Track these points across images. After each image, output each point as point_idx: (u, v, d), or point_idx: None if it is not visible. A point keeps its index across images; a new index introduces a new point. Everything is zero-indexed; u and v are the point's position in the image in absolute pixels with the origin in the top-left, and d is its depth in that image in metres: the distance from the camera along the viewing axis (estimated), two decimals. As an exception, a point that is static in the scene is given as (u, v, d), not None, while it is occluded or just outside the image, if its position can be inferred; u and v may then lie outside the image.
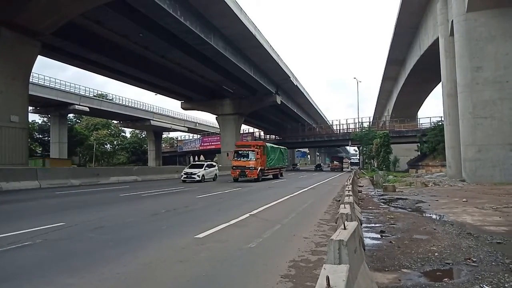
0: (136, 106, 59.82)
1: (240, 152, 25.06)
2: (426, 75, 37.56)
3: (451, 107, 22.78)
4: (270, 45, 35.06)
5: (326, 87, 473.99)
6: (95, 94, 56.58)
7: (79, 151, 63.72)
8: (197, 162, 27.95)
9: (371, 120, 63.41)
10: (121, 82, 43.17)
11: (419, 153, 48.32)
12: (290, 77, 44.25)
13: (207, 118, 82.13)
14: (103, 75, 39.56)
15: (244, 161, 24.19)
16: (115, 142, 76.28)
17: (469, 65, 19.64)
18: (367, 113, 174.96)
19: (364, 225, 7.67)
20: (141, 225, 7.62)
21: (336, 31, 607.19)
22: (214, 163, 26.69)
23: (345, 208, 4.66)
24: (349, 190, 8.22)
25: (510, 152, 18.61)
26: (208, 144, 69.43)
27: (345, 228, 3.02)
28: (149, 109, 62.90)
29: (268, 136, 71.89)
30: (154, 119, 62.74)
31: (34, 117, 55.45)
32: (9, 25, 18.69)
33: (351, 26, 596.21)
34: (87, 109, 48.53)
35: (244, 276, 4.35)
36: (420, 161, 43.20)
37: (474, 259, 4.93)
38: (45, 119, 57.64)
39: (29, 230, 6.62)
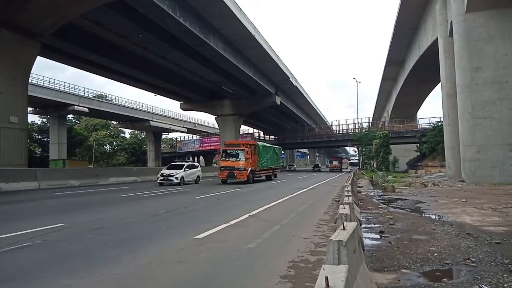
0: (135, 107, 59.78)
1: (228, 151, 23.33)
2: (426, 75, 37.59)
3: (451, 108, 22.79)
4: (270, 46, 35.05)
5: (325, 88, 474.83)
6: (94, 95, 56.50)
7: (79, 151, 63.68)
8: (176, 163, 24.96)
9: (370, 121, 63.50)
10: (121, 83, 43.17)
11: (418, 153, 48.37)
12: (289, 78, 44.25)
13: (207, 119, 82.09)
14: (103, 76, 39.56)
15: (233, 161, 22.44)
16: (114, 143, 76.22)
17: (468, 65, 19.66)
18: (367, 113, 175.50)
19: (363, 225, 7.69)
20: (140, 226, 7.62)
21: (336, 32, 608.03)
22: (196, 164, 24.57)
23: (344, 208, 4.66)
24: (349, 191, 8.23)
25: (509, 153, 18.63)
26: (207, 144, 69.38)
27: (344, 229, 3.02)
28: (148, 110, 62.87)
29: (267, 136, 71.90)
30: (153, 119, 62.70)
31: (34, 118, 55.34)
32: (8, 26, 18.68)
33: (350, 27, 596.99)
34: (87, 109, 48.48)
35: (244, 276, 4.35)
36: (419, 162, 43.23)
37: (473, 260, 4.93)
38: (44, 120, 57.53)
39: (29, 231, 6.63)
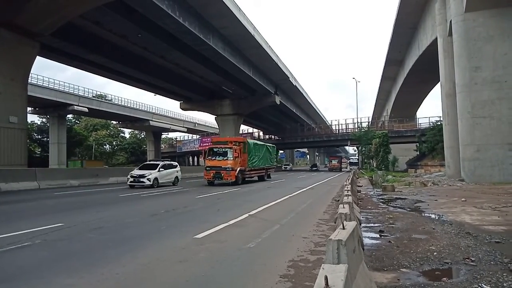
0: (135, 107, 59.77)
1: (215, 149, 21.48)
2: (425, 75, 37.59)
3: (450, 107, 22.80)
4: (269, 46, 35.07)
5: (325, 87, 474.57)
6: (94, 95, 56.46)
7: (78, 151, 63.65)
8: (151, 162, 22.05)
9: (370, 120, 63.47)
10: (120, 83, 43.20)
11: (418, 153, 48.37)
12: (289, 78, 44.27)
13: (206, 119, 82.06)
14: (102, 76, 39.55)
15: (220, 160, 20.60)
16: (114, 143, 76.22)
17: (467, 65, 19.67)
18: (366, 113, 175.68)
19: (363, 224, 7.69)
20: (140, 226, 7.63)
21: (335, 31, 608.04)
22: (175, 163, 21.74)
23: (344, 208, 4.66)
24: (348, 190, 8.22)
25: (508, 152, 18.64)
26: (207, 144, 69.25)
27: (344, 228, 3.02)
28: (148, 110, 62.85)
29: (267, 136, 71.95)
30: (153, 119, 62.68)
31: (33, 118, 55.29)
32: (8, 26, 18.67)
33: (350, 27, 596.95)
34: (86, 109, 48.46)
35: (243, 276, 4.35)
36: (419, 161, 43.23)
37: (473, 259, 4.94)
38: (44, 119, 57.48)
39: (28, 230, 6.63)
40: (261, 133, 73.81)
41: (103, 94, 63.35)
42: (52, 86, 44.40)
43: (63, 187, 17.80)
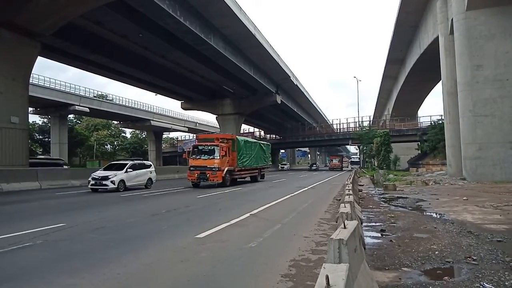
0: (136, 107, 59.83)
1: (200, 147, 19.54)
2: (426, 73, 37.53)
3: (451, 106, 22.76)
4: (270, 45, 35.06)
5: (326, 87, 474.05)
6: (95, 95, 56.55)
7: (80, 151, 63.77)
8: (119, 161, 19.37)
9: (371, 119, 63.39)
10: (122, 83, 43.21)
11: (419, 151, 48.29)
12: (290, 77, 44.25)
13: (208, 118, 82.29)
14: (103, 76, 39.59)
15: (206, 159, 18.67)
16: (115, 143, 76.34)
17: (469, 63, 19.63)
18: (367, 112, 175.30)
19: (364, 224, 7.68)
20: (142, 225, 7.64)
21: (336, 30, 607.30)
22: (148, 163, 19.25)
23: (345, 207, 4.65)
24: (350, 189, 8.22)
25: (510, 150, 18.59)
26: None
27: (345, 227, 3.02)
28: (149, 109, 62.92)
29: (268, 135, 71.96)
30: (154, 119, 62.75)
31: (35, 118, 55.43)
32: (9, 26, 18.71)
33: (351, 26, 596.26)
34: (87, 109, 48.53)
35: (245, 275, 4.35)
36: (420, 160, 43.16)
37: (474, 258, 4.93)
38: (45, 120, 57.62)
39: (30, 231, 6.65)
40: (262, 133, 73.84)
41: (104, 94, 63.53)
42: (53, 86, 44.48)
43: (65, 187, 17.85)
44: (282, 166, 65.95)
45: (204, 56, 30.29)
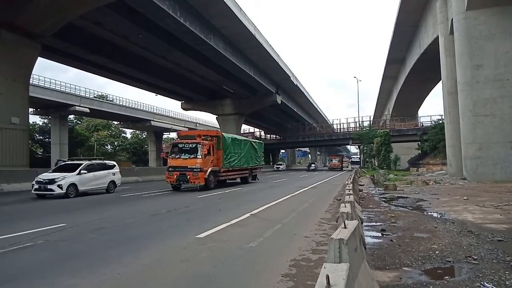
0: (136, 107, 59.82)
1: (180, 145, 17.43)
2: (426, 73, 37.53)
3: (452, 106, 22.76)
4: (270, 45, 35.08)
5: (326, 87, 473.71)
6: (95, 95, 56.55)
7: (80, 152, 63.73)
8: (72, 161, 16.39)
9: (371, 119, 63.40)
10: (122, 83, 43.23)
11: (419, 151, 48.31)
12: (290, 77, 44.27)
13: (208, 119, 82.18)
14: (104, 76, 39.61)
15: (186, 158, 16.61)
16: (115, 143, 76.34)
17: (469, 63, 19.63)
18: (368, 112, 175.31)
19: (365, 223, 7.67)
20: (142, 226, 7.64)
21: (336, 30, 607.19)
22: (110, 163, 16.71)
23: (345, 207, 4.65)
24: (350, 189, 8.21)
25: (510, 150, 18.58)
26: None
27: (345, 227, 3.02)
28: (149, 110, 62.90)
29: (268, 136, 71.99)
30: (154, 119, 62.73)
31: (35, 119, 55.35)
32: (9, 27, 18.73)
33: (351, 26, 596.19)
34: (88, 110, 48.52)
35: (245, 275, 4.35)
36: (421, 160, 43.16)
37: (475, 257, 4.92)
38: (45, 120, 57.60)
39: (31, 231, 6.65)
40: (262, 133, 73.89)
41: (104, 94, 63.55)
42: (54, 87, 44.47)
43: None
44: (278, 166, 61.09)
45: (204, 56, 30.30)
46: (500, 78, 18.96)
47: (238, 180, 21.86)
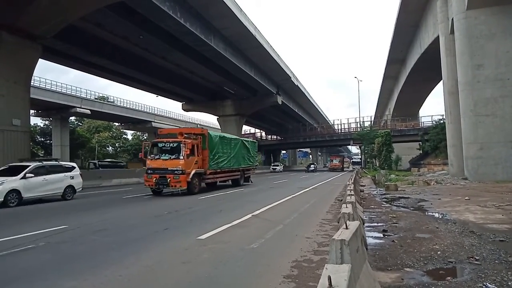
0: (137, 108, 59.90)
1: (160, 145, 15.58)
2: (427, 73, 37.50)
3: (453, 105, 22.73)
4: (270, 46, 35.09)
5: (326, 87, 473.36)
6: (96, 97, 56.60)
7: (81, 153, 63.85)
8: (19, 163, 13.41)
9: (372, 119, 63.34)
10: (123, 85, 43.34)
11: (421, 151, 48.24)
12: (290, 77, 44.27)
13: (209, 120, 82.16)
14: (104, 78, 39.63)
15: (166, 159, 14.90)
16: (116, 144, 76.41)
17: (470, 63, 19.61)
18: (368, 112, 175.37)
19: (366, 224, 7.66)
20: (143, 227, 7.64)
21: (337, 31, 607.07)
22: (68, 165, 14.78)
23: (347, 207, 4.65)
24: (351, 190, 8.20)
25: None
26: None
27: (347, 228, 3.02)
28: (150, 111, 62.97)
29: (269, 136, 71.98)
30: (155, 121, 62.77)
31: (36, 121, 55.48)
32: (10, 29, 18.73)
33: (351, 26, 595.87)
34: (89, 111, 48.59)
35: (247, 276, 4.35)
36: (422, 160, 43.10)
37: (477, 258, 4.92)
38: (46, 122, 57.69)
39: (32, 233, 6.66)
40: (263, 133, 73.91)
41: (105, 96, 63.64)
42: (55, 89, 44.56)
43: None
44: (274, 167, 56.91)
45: (205, 57, 30.32)
46: (501, 78, 18.93)
47: (229, 182, 20.18)
